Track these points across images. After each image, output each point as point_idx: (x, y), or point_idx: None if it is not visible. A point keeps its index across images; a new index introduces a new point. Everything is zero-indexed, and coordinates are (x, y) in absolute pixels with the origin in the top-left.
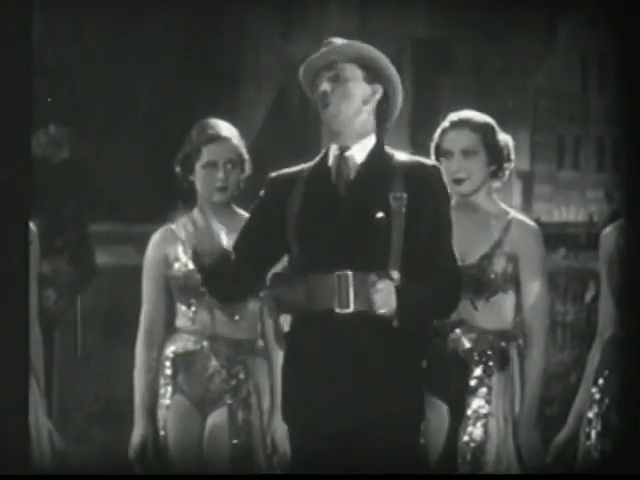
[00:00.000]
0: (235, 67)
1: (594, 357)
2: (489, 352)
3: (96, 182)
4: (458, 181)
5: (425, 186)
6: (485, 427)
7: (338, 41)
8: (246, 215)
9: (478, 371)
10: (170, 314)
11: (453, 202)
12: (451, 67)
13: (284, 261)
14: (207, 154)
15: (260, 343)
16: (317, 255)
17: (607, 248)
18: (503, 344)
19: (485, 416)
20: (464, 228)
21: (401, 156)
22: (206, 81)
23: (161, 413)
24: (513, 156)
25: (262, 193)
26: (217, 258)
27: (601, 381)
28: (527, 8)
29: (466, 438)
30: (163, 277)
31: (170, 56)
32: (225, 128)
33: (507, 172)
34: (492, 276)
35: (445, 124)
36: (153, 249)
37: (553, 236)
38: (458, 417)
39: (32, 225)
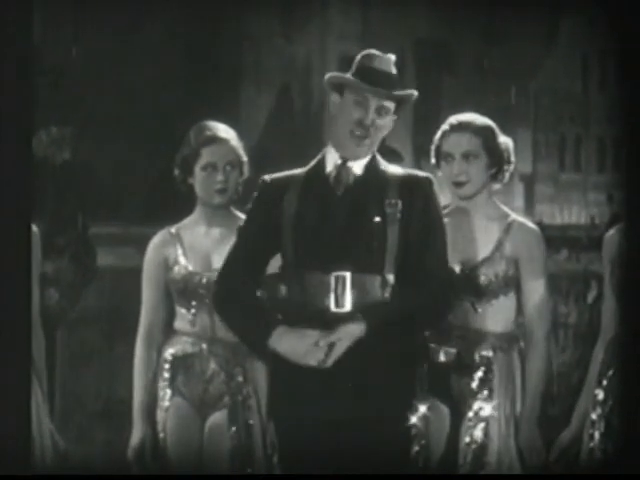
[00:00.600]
0: (236, 68)
1: (597, 358)
2: (490, 354)
3: (97, 183)
4: (459, 184)
5: (418, 195)
6: (487, 428)
7: (382, 56)
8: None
9: (480, 373)
10: (169, 317)
11: (453, 205)
12: (453, 68)
13: (278, 260)
14: (206, 156)
15: None
16: (313, 256)
17: (610, 250)
18: (505, 346)
19: (487, 417)
20: (465, 231)
21: (395, 169)
22: (207, 82)
23: (160, 415)
24: (513, 158)
25: (256, 196)
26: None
27: (604, 382)
28: (528, 9)
29: (467, 439)
30: (163, 280)
31: (171, 57)
32: (223, 130)
33: (507, 174)
34: (493, 279)
35: (445, 127)
36: (153, 252)
37: (555, 238)
38: (459, 419)
39: (34, 226)
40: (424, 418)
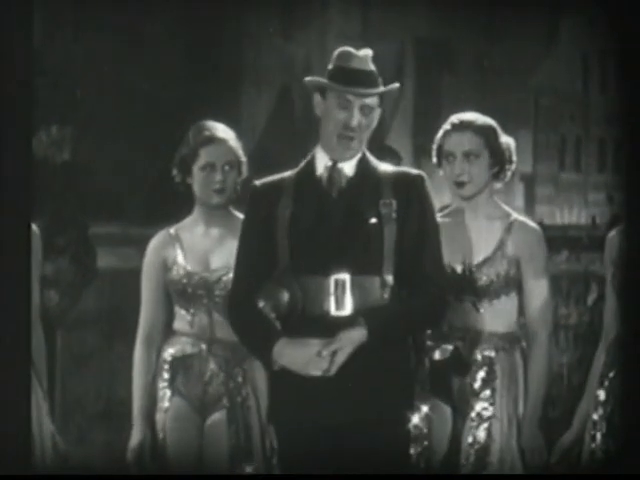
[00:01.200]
0: (236, 68)
1: (599, 359)
2: (493, 354)
3: (97, 183)
4: (460, 184)
5: (411, 193)
6: (489, 429)
7: (358, 54)
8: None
9: (482, 373)
10: (169, 317)
11: (454, 205)
12: (453, 67)
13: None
14: (204, 156)
15: None
16: (311, 260)
17: (612, 251)
18: (507, 346)
19: (489, 418)
20: (466, 231)
21: (386, 167)
22: (207, 82)
23: (159, 416)
24: (515, 158)
25: (248, 203)
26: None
27: (606, 383)
28: (528, 8)
29: (470, 440)
30: (162, 281)
31: (171, 57)
32: (222, 130)
33: (509, 174)
34: (495, 278)
35: (447, 126)
36: (152, 253)
37: (556, 238)
38: (462, 419)
39: (34, 226)
40: (426, 418)
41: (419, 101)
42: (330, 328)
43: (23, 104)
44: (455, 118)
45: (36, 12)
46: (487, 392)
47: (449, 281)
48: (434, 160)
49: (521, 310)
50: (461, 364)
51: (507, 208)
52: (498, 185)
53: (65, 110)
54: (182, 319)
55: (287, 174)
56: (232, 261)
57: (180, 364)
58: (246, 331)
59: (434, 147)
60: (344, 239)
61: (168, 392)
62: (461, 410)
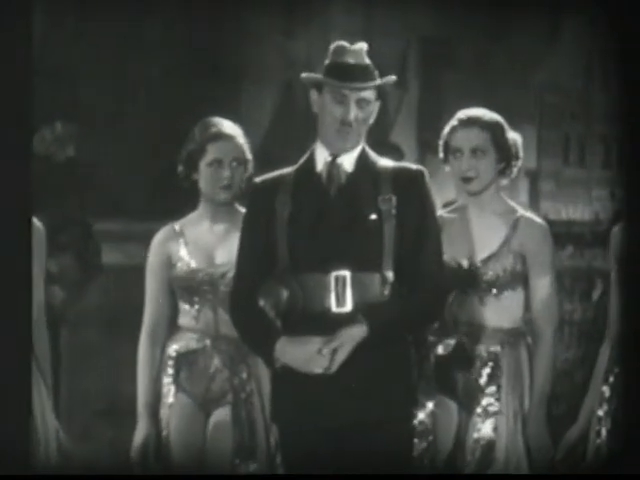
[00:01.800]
0: (237, 65)
1: (604, 355)
2: (498, 350)
3: (101, 180)
4: (467, 180)
5: (411, 189)
6: (494, 425)
7: (352, 48)
8: None
9: (487, 369)
10: (173, 313)
11: (461, 200)
12: (456, 65)
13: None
14: (212, 152)
15: None
16: (311, 257)
17: (616, 246)
18: (512, 342)
19: (494, 414)
20: (472, 227)
21: (385, 162)
22: (209, 79)
23: (164, 412)
24: (521, 154)
25: (248, 201)
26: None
27: (611, 379)
28: (531, 7)
29: (475, 436)
30: (166, 277)
31: (173, 54)
32: (229, 126)
33: (515, 170)
34: (501, 273)
35: (454, 122)
36: (156, 249)
37: (560, 234)
38: (467, 415)
39: (39, 223)
40: (431, 414)
41: (423, 98)
42: (331, 325)
43: (25, 102)
44: (462, 114)
45: (39, 11)
46: (493, 388)
47: (454, 276)
48: (440, 156)
49: (527, 306)
50: (465, 358)
51: (513, 204)
52: (504, 182)
53: (69, 107)
54: (187, 315)
55: (286, 170)
56: None
57: (184, 360)
58: (248, 329)
59: (440, 143)
60: (344, 236)
61: (172, 388)
62: (466, 406)
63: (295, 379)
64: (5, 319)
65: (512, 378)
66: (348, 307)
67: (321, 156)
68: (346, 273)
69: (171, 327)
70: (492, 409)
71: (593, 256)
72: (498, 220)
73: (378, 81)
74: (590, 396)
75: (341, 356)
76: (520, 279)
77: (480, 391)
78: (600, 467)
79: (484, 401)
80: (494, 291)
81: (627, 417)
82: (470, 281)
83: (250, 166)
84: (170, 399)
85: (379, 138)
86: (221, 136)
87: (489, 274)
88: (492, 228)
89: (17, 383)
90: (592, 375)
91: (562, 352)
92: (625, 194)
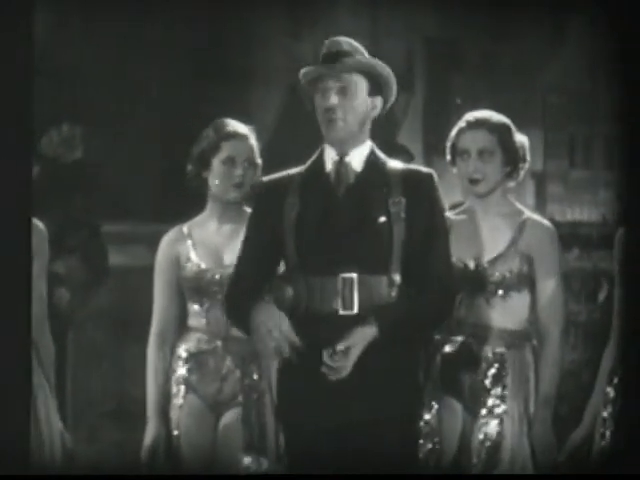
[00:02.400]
0: (245, 67)
1: (609, 356)
2: (504, 351)
3: (108, 181)
4: (474, 181)
5: (421, 192)
6: (500, 426)
7: (343, 42)
8: None
9: (493, 370)
10: (182, 314)
11: (468, 202)
12: (462, 66)
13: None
14: (227, 149)
15: None
16: (318, 258)
17: (622, 248)
18: (517, 343)
19: (500, 415)
20: (479, 228)
21: (395, 164)
22: (216, 80)
23: (174, 413)
24: (529, 157)
25: (255, 200)
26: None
27: (616, 380)
28: (536, 8)
29: (481, 437)
30: (175, 278)
31: (179, 56)
32: (243, 127)
33: (522, 172)
34: (507, 274)
35: (461, 124)
36: (164, 250)
37: (566, 236)
38: (473, 416)
39: (42, 225)
40: (437, 415)
41: (429, 100)
42: (338, 326)
43: (29, 103)
44: (470, 116)
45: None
46: (498, 389)
47: (461, 277)
48: (448, 158)
49: (533, 307)
50: (471, 359)
51: (520, 206)
52: (511, 184)
53: (75, 109)
54: (196, 316)
55: (295, 171)
56: None
57: (195, 360)
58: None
59: (448, 145)
60: (352, 237)
61: (182, 389)
62: (472, 407)
63: (301, 378)
64: (5, 319)
65: (518, 379)
66: (355, 309)
67: (329, 156)
68: (353, 275)
69: (180, 328)
70: (498, 410)
71: (599, 258)
72: (505, 222)
73: (351, 61)
74: (595, 397)
75: (353, 356)
76: (526, 281)
77: (486, 392)
78: (604, 468)
79: (490, 402)
80: (500, 292)
81: (631, 418)
82: (477, 282)
83: (259, 170)
84: (180, 400)
85: (388, 140)
86: (236, 135)
87: (496, 275)
88: (499, 230)
89: (17, 383)
90: (597, 376)
91: (568, 354)
92: (630, 195)
